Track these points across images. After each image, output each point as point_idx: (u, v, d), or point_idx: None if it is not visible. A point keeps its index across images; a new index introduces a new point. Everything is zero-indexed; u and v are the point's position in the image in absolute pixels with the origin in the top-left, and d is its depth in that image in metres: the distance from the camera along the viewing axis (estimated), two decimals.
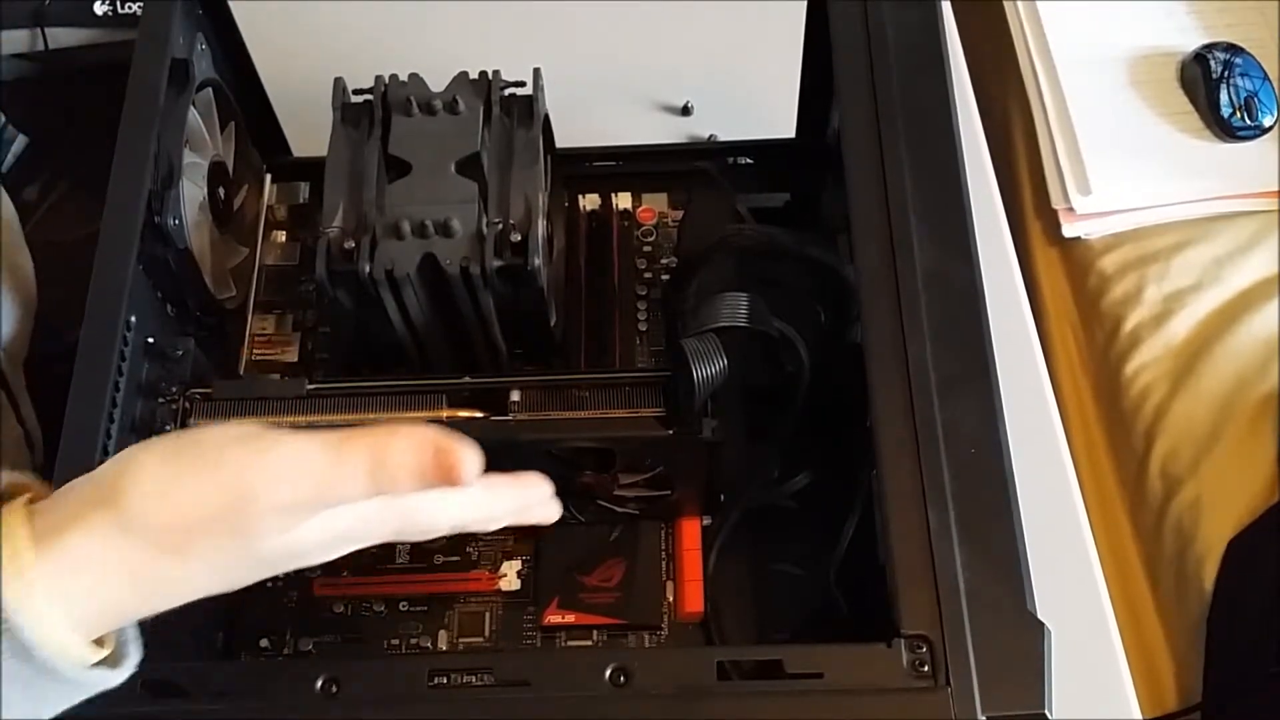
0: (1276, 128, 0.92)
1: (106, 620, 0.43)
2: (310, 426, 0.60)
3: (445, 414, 0.61)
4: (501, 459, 0.62)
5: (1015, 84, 0.99)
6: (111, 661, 0.45)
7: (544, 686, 0.51)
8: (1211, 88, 0.92)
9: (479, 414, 0.61)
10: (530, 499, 0.53)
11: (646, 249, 0.78)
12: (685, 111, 0.92)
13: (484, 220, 0.63)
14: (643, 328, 0.75)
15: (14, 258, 0.75)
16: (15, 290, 0.73)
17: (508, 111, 0.66)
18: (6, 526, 0.42)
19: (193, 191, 0.69)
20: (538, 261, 0.62)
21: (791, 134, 0.78)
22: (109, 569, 0.42)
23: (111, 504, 0.42)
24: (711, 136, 0.88)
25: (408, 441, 0.44)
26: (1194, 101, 0.94)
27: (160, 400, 0.62)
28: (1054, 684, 0.49)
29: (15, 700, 0.42)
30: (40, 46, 0.91)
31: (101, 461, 0.57)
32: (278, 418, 0.61)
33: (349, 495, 0.44)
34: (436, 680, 0.52)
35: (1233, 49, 0.94)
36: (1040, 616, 0.51)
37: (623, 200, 0.79)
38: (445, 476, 0.44)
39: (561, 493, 0.65)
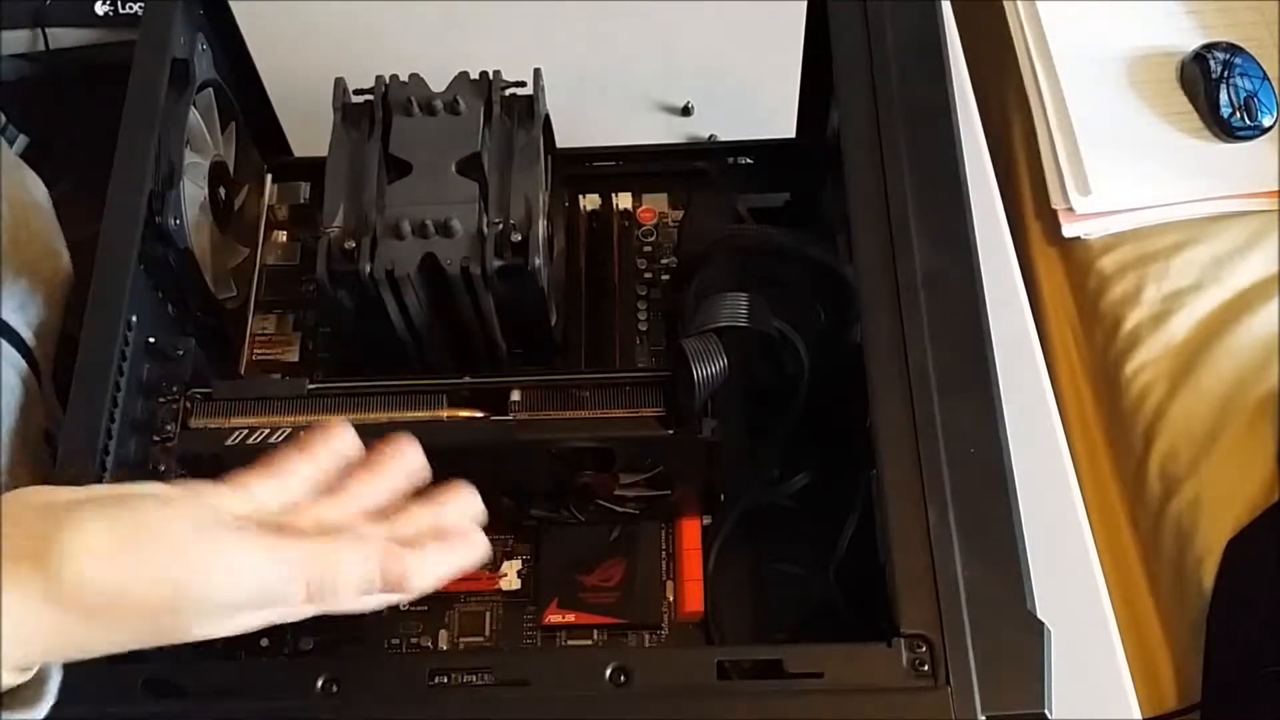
0: (1276, 128, 0.92)
1: (19, 663, 0.42)
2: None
3: (445, 414, 0.61)
4: (501, 459, 0.62)
5: (1015, 84, 0.99)
6: (28, 695, 0.44)
7: (544, 686, 0.51)
8: (1211, 88, 0.92)
9: (479, 414, 0.61)
10: (465, 557, 0.50)
11: (646, 249, 0.78)
12: (685, 111, 0.92)
13: (484, 220, 0.63)
14: (643, 328, 0.75)
15: (49, 244, 0.74)
16: (48, 280, 0.72)
17: (508, 112, 0.66)
18: None
19: (193, 191, 0.69)
20: (538, 261, 0.62)
21: (791, 134, 0.78)
22: (31, 628, 0.41)
23: (44, 566, 0.40)
24: (711, 136, 0.88)
25: (356, 558, 0.45)
26: (1194, 101, 0.94)
27: (161, 400, 0.62)
28: (1054, 684, 0.49)
29: None
30: (41, 47, 0.91)
31: (103, 462, 0.57)
32: (278, 418, 0.61)
33: (287, 604, 0.45)
34: (437, 680, 0.52)
35: (1232, 49, 0.94)
36: (1040, 616, 0.51)
37: (623, 200, 0.79)
38: (395, 588, 0.46)
39: (562, 493, 0.65)
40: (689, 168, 0.78)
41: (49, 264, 0.73)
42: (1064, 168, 0.92)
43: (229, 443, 0.60)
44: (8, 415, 0.65)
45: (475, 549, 0.50)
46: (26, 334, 0.68)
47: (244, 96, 0.76)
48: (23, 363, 0.67)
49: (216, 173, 0.72)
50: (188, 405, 0.62)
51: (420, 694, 0.52)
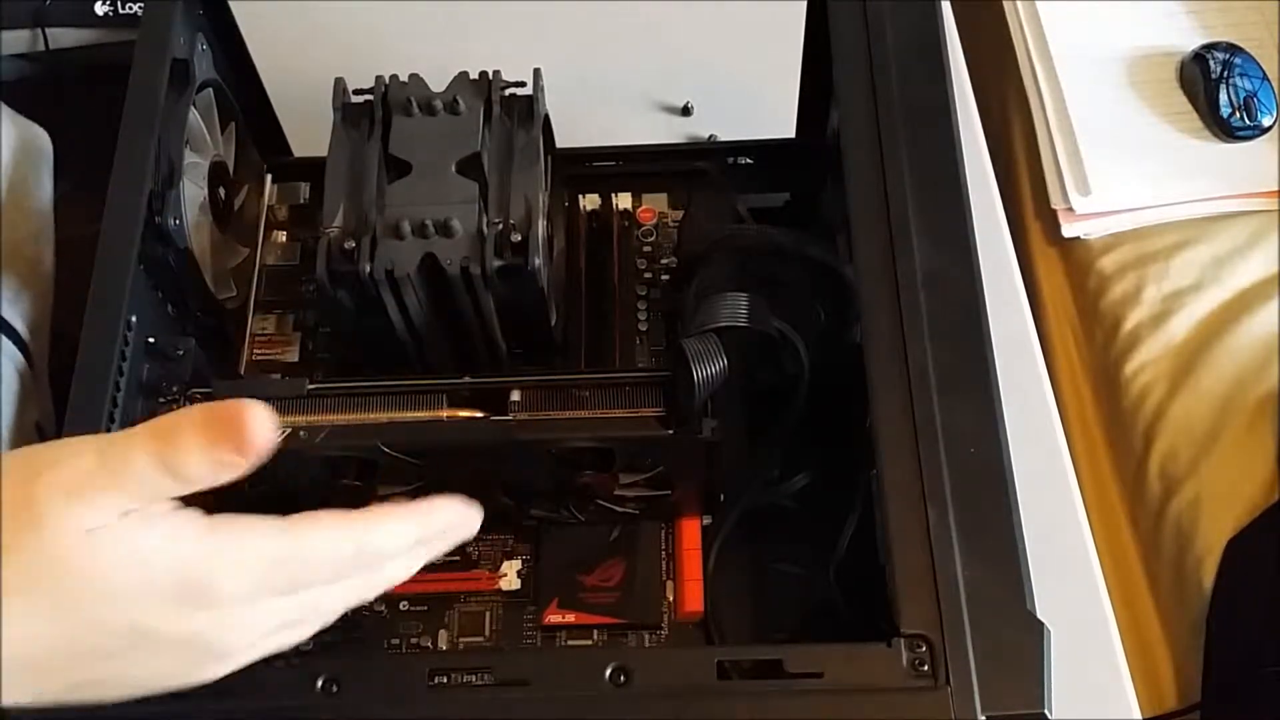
0: (1276, 128, 0.92)
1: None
2: (310, 426, 0.60)
3: (445, 414, 0.61)
4: (501, 459, 0.62)
5: (1015, 84, 0.99)
6: None
7: (544, 686, 0.51)
8: (1211, 88, 0.92)
9: (479, 414, 0.61)
10: (441, 525, 0.49)
11: (646, 249, 0.78)
12: (685, 111, 0.92)
13: (484, 220, 0.63)
14: (643, 328, 0.75)
15: (41, 249, 0.75)
16: (41, 269, 0.73)
17: (508, 112, 0.66)
18: None
19: (193, 192, 0.69)
20: (538, 261, 0.62)
21: (791, 134, 0.78)
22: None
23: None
24: (711, 136, 0.88)
25: (182, 410, 0.43)
26: (1193, 101, 0.94)
27: (161, 400, 0.62)
28: (1054, 684, 0.49)
29: None
30: (41, 47, 0.91)
31: None
32: (278, 418, 0.60)
33: (132, 473, 0.41)
34: (436, 680, 0.52)
35: (1232, 49, 0.94)
36: (1040, 616, 0.51)
37: (623, 200, 0.79)
38: (229, 433, 0.41)
39: (562, 493, 0.65)
40: (689, 168, 0.78)
41: (32, 250, 0.73)
42: (1064, 168, 0.92)
43: None
44: (6, 409, 0.65)
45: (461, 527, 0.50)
46: (21, 326, 0.68)
47: (244, 96, 0.75)
48: (19, 355, 0.68)
49: (216, 173, 0.72)
50: (188, 405, 0.62)
51: (420, 694, 0.52)
